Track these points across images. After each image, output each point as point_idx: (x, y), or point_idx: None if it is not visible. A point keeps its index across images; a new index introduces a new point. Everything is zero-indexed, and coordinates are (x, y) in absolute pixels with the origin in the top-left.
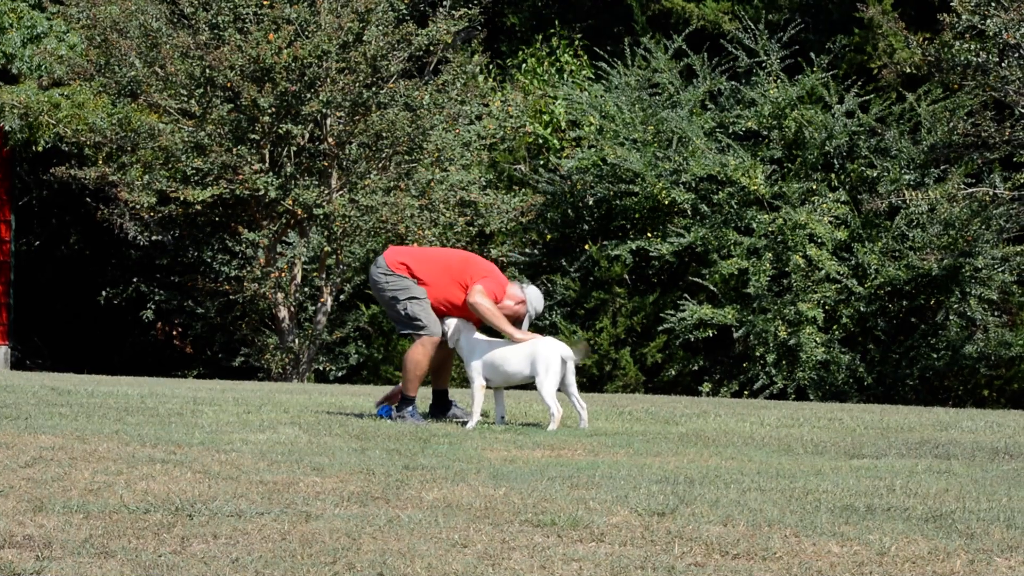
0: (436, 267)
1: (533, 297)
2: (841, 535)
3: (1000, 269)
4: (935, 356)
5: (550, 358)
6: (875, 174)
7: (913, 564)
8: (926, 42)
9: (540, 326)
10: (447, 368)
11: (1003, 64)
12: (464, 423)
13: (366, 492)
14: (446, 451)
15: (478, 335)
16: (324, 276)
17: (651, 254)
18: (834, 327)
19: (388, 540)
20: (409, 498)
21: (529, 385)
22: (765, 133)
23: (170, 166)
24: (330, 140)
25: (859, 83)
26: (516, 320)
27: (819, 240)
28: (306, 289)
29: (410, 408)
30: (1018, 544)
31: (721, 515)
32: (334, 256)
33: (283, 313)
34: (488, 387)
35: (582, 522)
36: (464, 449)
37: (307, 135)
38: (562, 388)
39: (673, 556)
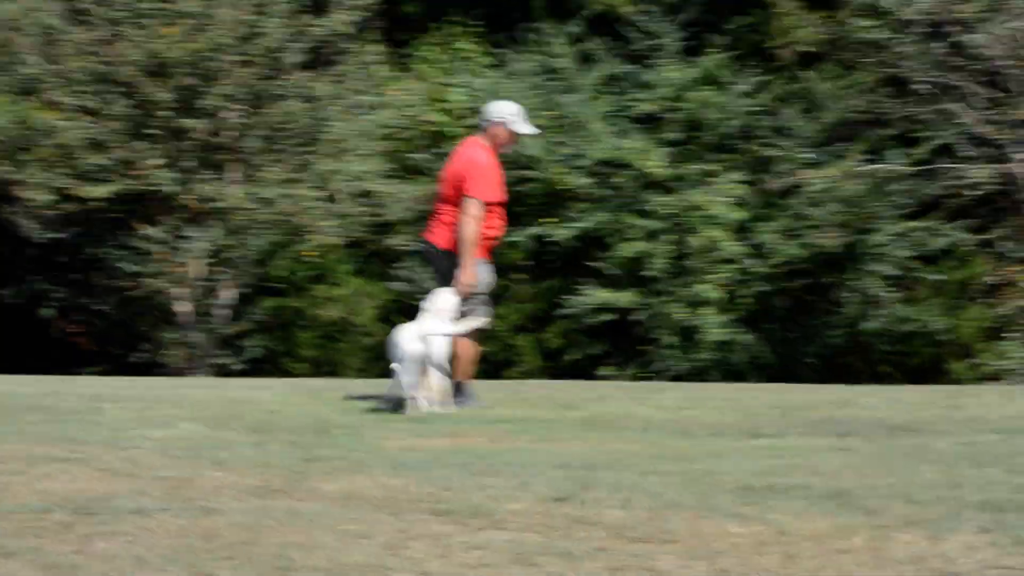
0: None
1: None
2: (741, 515)
3: (898, 245)
4: (834, 333)
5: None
6: (773, 154)
7: (814, 542)
8: (822, 21)
9: None
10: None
11: (899, 40)
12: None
13: (266, 485)
14: (345, 442)
15: None
16: (223, 270)
17: (550, 239)
18: (733, 307)
19: (289, 533)
20: (309, 490)
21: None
22: (663, 116)
23: (68, 163)
24: (228, 133)
25: (756, 63)
26: None
27: (718, 221)
28: (206, 283)
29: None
30: (918, 519)
31: (621, 499)
32: (233, 249)
33: (183, 308)
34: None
35: (483, 510)
36: (364, 440)
37: (205, 129)
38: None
39: (574, 541)
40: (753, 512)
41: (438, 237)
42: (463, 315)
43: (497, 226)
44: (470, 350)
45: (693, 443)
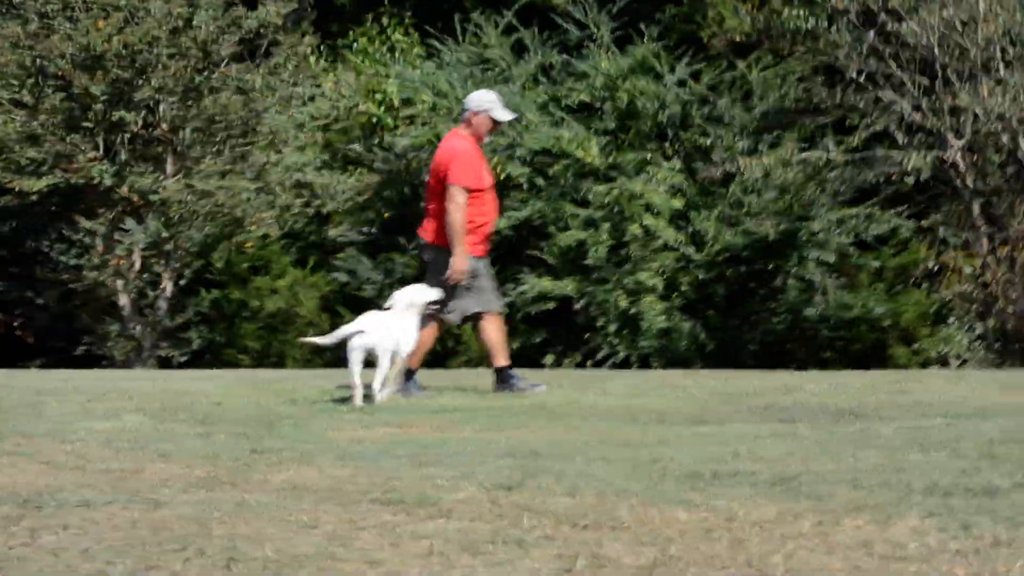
0: None
1: None
2: (688, 502)
3: (836, 232)
4: (776, 320)
5: None
6: (709, 142)
7: (761, 528)
8: (755, 10)
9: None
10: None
11: (833, 29)
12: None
13: (213, 477)
14: (292, 433)
15: None
16: (163, 262)
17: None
18: (674, 295)
19: (237, 524)
20: (256, 482)
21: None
22: (598, 105)
23: (3, 157)
24: (164, 126)
25: (690, 52)
26: None
27: (656, 209)
28: (145, 276)
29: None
30: (864, 504)
31: (568, 487)
32: (172, 242)
33: (123, 300)
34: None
35: (430, 499)
36: (310, 430)
37: (141, 122)
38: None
39: (522, 529)
40: (700, 499)
41: (425, 230)
42: (442, 308)
43: (487, 213)
44: (429, 340)
45: (639, 430)
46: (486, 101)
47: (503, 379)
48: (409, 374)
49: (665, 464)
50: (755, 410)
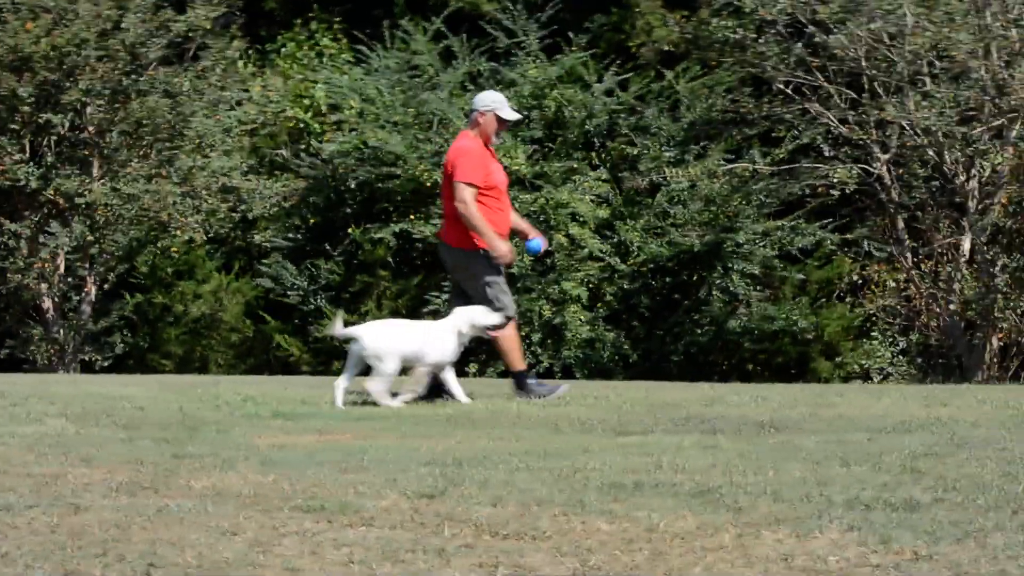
0: None
1: None
2: (610, 512)
3: (761, 244)
4: (699, 332)
5: None
6: (636, 152)
7: (682, 540)
8: (684, 20)
9: (304, 310)
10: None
11: (760, 40)
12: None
13: (135, 482)
14: (215, 439)
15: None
16: (88, 266)
17: (414, 236)
18: (598, 305)
19: (158, 530)
20: (178, 487)
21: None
22: (526, 113)
23: None
24: (90, 129)
25: (618, 62)
26: None
27: (581, 219)
28: (70, 279)
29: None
30: (785, 517)
31: (490, 496)
32: (97, 245)
33: (47, 304)
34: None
35: (352, 507)
36: (233, 436)
37: (68, 124)
38: None
39: (443, 538)
40: (622, 509)
41: (444, 233)
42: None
43: (500, 212)
44: (516, 337)
45: (562, 440)
46: (492, 101)
47: (521, 384)
48: (523, 375)
49: (587, 474)
50: (678, 421)
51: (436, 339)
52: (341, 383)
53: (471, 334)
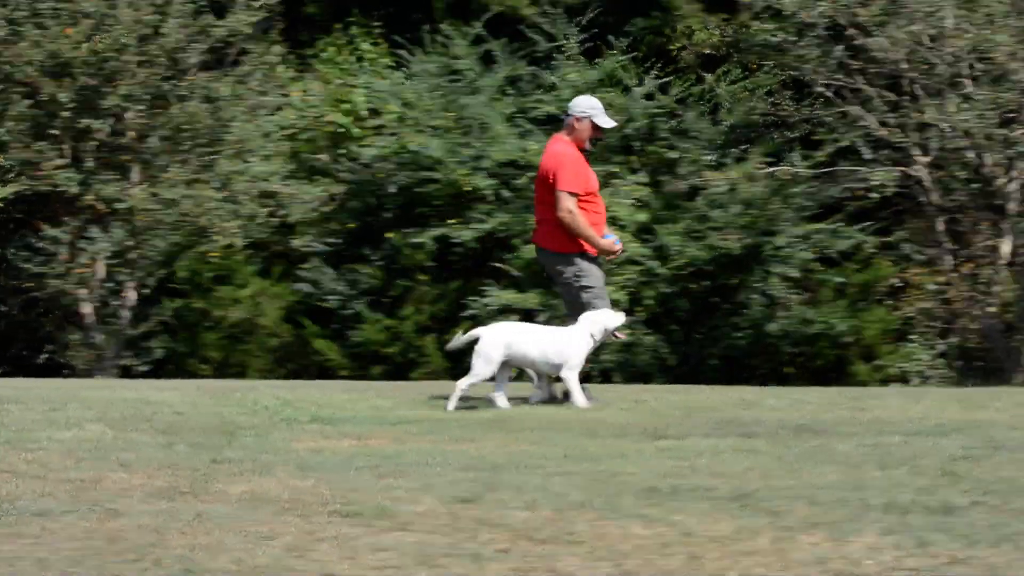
0: None
1: None
2: (646, 517)
3: (800, 247)
4: (738, 335)
5: None
6: (675, 155)
7: (718, 544)
8: (724, 23)
9: (343, 315)
10: None
11: (801, 43)
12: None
13: (173, 487)
14: (253, 443)
15: None
16: (127, 271)
17: (453, 241)
18: (637, 309)
19: (195, 535)
20: (216, 492)
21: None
22: (565, 117)
23: None
24: (131, 134)
25: (658, 65)
26: None
27: (621, 223)
28: (109, 284)
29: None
30: (821, 521)
31: (526, 500)
32: (136, 250)
33: (87, 309)
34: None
35: (388, 511)
36: (271, 441)
37: (108, 129)
38: None
39: (479, 543)
40: (657, 513)
41: (539, 237)
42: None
43: (596, 216)
44: None
45: (598, 444)
46: (589, 107)
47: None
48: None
49: (623, 479)
50: (715, 425)
51: (565, 344)
52: (499, 390)
53: (601, 339)
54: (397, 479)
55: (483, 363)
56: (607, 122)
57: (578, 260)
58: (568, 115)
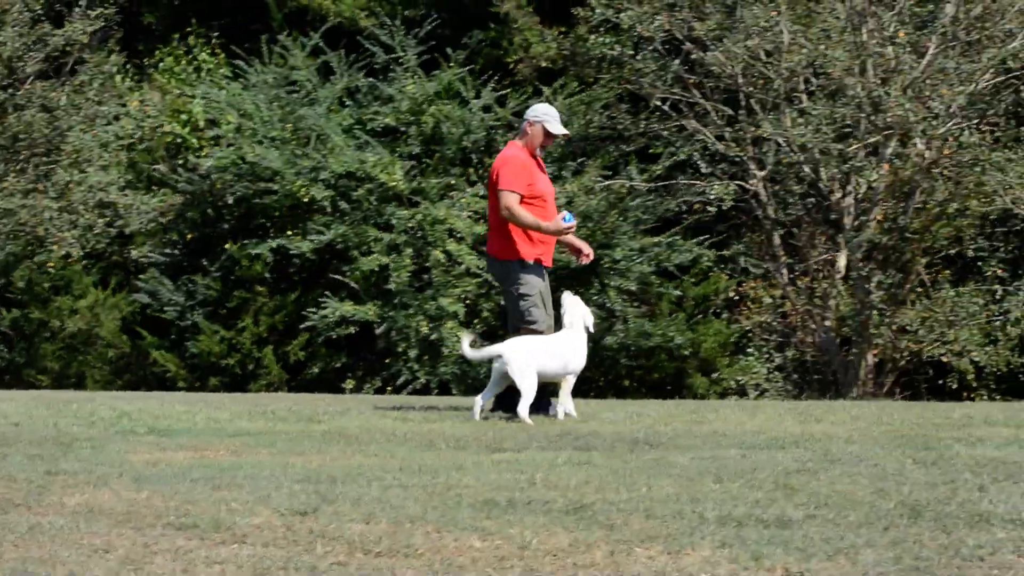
0: None
1: None
2: (483, 529)
3: (638, 260)
4: None
5: None
6: None
7: (554, 557)
8: (561, 36)
9: (181, 326)
10: None
11: (637, 57)
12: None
13: (7, 499)
14: (89, 455)
15: None
16: None
17: (292, 252)
18: (475, 321)
19: (30, 547)
20: (51, 504)
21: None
22: (403, 129)
23: None
24: None
25: (496, 78)
26: None
27: (459, 235)
28: None
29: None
30: (657, 534)
31: (364, 513)
32: None
33: None
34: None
35: (224, 524)
36: (107, 453)
37: None
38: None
39: (316, 556)
40: (494, 526)
41: (489, 244)
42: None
43: (549, 219)
44: None
45: (436, 456)
46: (542, 113)
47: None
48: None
49: (460, 491)
50: (552, 438)
51: (575, 347)
52: (480, 400)
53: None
54: (233, 491)
55: (528, 380)
56: (558, 129)
57: (517, 268)
58: (524, 121)
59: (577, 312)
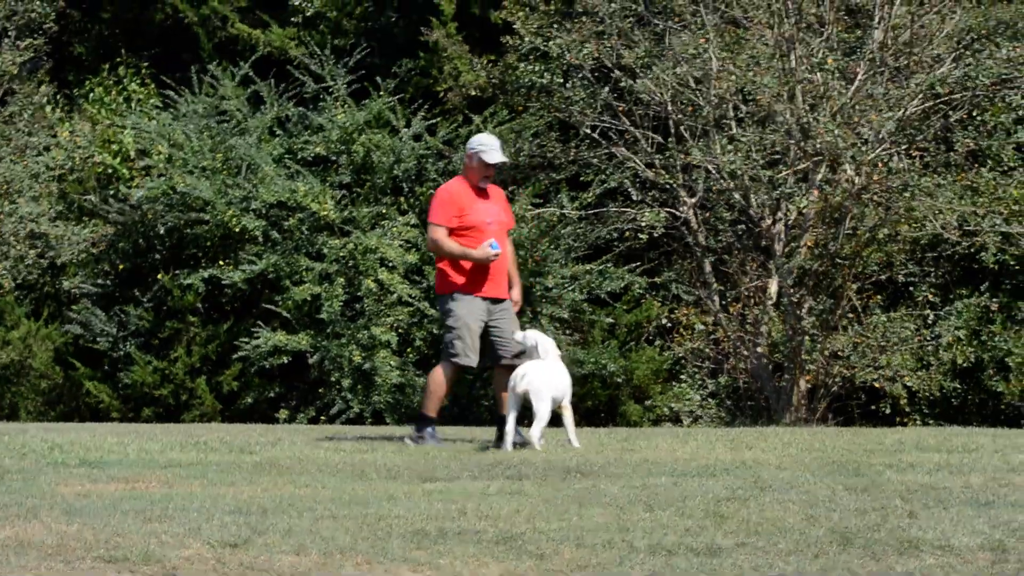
0: None
1: None
2: (414, 560)
3: (570, 288)
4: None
5: None
6: None
7: None
8: (491, 64)
9: (114, 357)
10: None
11: (567, 85)
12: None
13: None
14: (19, 487)
15: None
16: None
17: (224, 282)
18: (408, 350)
19: None
20: None
21: None
22: (334, 158)
23: None
24: None
25: (426, 106)
26: None
27: (390, 264)
28: None
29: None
30: (588, 563)
31: (294, 544)
32: None
33: None
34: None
35: (154, 556)
36: (38, 485)
37: None
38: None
39: None
40: (425, 557)
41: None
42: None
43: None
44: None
45: (368, 487)
46: (478, 144)
47: (420, 429)
48: (428, 422)
49: (391, 522)
50: (484, 467)
51: (565, 375)
52: (511, 429)
53: None
54: (164, 523)
55: (547, 404)
56: (494, 158)
57: (447, 300)
58: (463, 152)
59: (549, 342)
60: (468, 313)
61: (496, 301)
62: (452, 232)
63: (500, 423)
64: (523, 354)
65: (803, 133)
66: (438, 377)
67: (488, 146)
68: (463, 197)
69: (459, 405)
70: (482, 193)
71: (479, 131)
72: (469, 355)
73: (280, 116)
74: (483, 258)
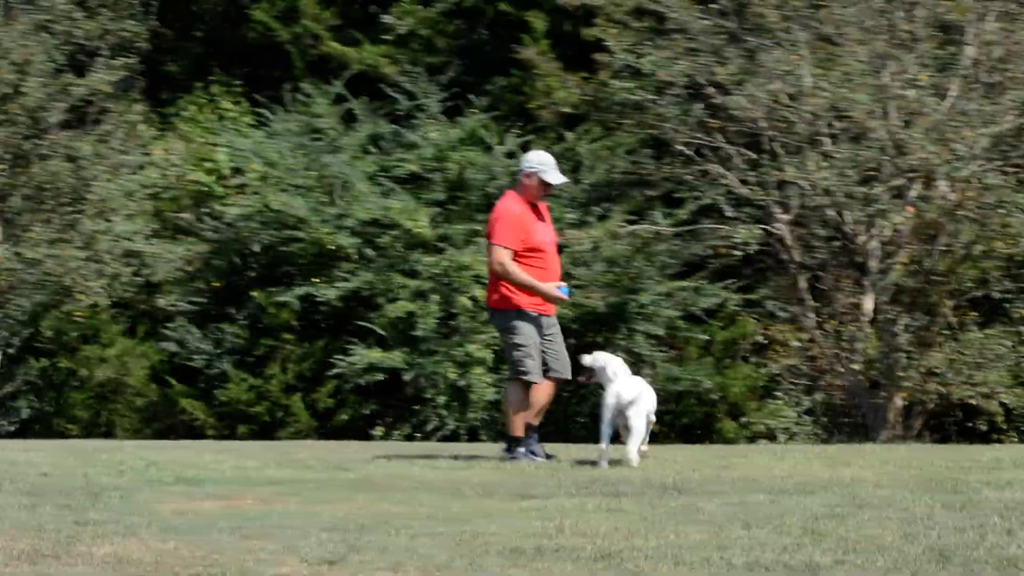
0: None
1: None
2: None
3: (665, 305)
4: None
5: None
6: None
7: None
8: (584, 81)
9: (209, 374)
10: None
11: (660, 102)
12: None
13: (36, 549)
14: (118, 505)
15: None
16: None
17: (318, 299)
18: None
19: None
20: (80, 554)
21: None
22: (428, 176)
23: None
24: None
25: (519, 124)
26: None
27: (484, 281)
28: None
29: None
30: None
31: (391, 561)
32: (0, 310)
33: None
34: None
35: (251, 573)
36: (136, 503)
37: None
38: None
39: None
40: (523, 574)
41: (488, 296)
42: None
43: (544, 272)
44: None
45: (464, 504)
46: (538, 163)
47: (510, 449)
48: (517, 442)
49: (488, 539)
50: (581, 484)
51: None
52: (606, 444)
53: None
54: (261, 541)
55: (640, 420)
56: (557, 178)
57: (513, 317)
58: (520, 170)
59: (618, 362)
60: (533, 331)
61: (547, 316)
62: (516, 254)
63: (534, 432)
64: (586, 373)
65: (897, 149)
66: (515, 397)
67: (548, 165)
68: (525, 218)
69: (555, 422)
70: (536, 211)
71: (572, 149)
72: (539, 372)
73: (373, 134)
74: (549, 297)
